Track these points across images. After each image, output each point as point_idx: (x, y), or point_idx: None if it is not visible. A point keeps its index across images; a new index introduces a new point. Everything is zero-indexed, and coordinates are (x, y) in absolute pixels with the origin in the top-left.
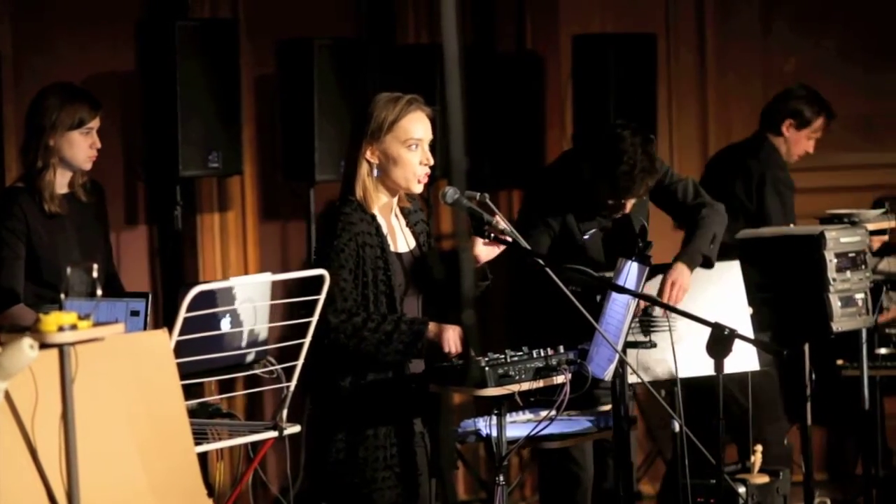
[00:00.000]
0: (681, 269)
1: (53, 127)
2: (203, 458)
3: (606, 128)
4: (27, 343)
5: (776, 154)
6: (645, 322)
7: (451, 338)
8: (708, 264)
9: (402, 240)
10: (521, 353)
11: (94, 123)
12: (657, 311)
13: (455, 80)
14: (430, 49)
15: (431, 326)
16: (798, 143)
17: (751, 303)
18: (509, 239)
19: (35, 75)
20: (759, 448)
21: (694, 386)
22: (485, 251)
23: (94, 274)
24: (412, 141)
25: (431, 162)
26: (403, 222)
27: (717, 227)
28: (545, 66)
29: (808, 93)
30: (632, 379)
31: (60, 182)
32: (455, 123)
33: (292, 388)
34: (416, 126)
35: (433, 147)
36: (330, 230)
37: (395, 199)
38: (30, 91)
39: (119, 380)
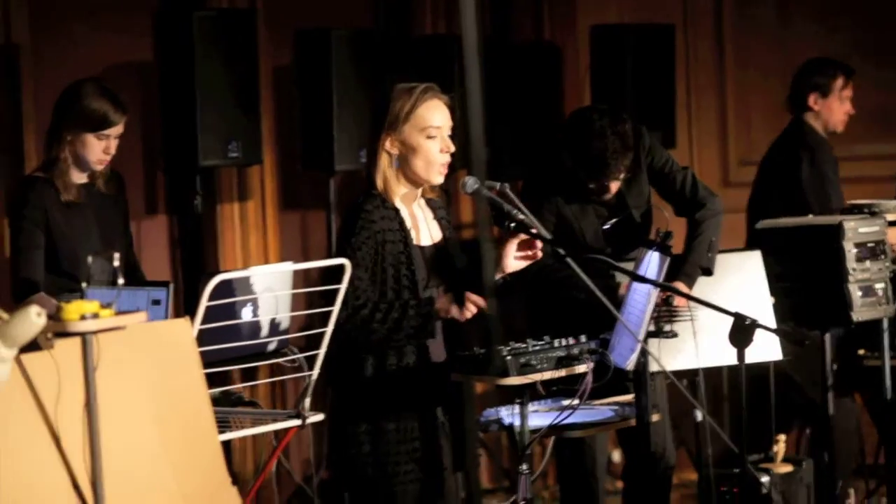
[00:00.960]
0: (681, 289)
1: (72, 123)
2: (226, 446)
3: (577, 113)
4: (34, 311)
5: (814, 133)
6: (666, 312)
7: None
8: (707, 273)
9: (425, 232)
10: (542, 343)
11: (113, 131)
12: (678, 300)
13: (474, 70)
14: (447, 40)
15: (440, 303)
16: (831, 110)
17: (772, 292)
18: (535, 232)
19: (53, 66)
20: (781, 437)
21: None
22: (513, 264)
23: (115, 263)
24: (431, 129)
25: (452, 149)
26: (430, 214)
27: (713, 231)
28: (563, 57)
29: (818, 61)
30: (654, 368)
31: (77, 172)
32: (474, 114)
33: (314, 377)
34: (434, 114)
35: (453, 136)
36: (349, 227)
37: (419, 191)
38: (48, 82)
39: (141, 368)
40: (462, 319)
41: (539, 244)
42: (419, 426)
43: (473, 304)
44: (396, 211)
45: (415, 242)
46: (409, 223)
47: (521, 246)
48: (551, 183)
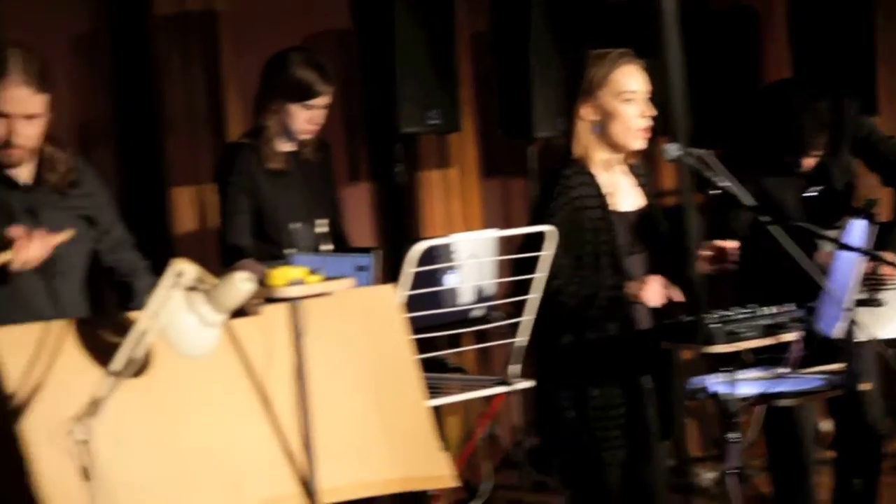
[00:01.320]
0: (891, 259)
1: (278, 92)
2: (435, 412)
3: (774, 87)
4: (241, 277)
5: None
6: (874, 280)
7: (652, 294)
8: None
9: (627, 198)
10: (749, 311)
11: (319, 101)
12: (886, 269)
13: (673, 36)
14: (645, 4)
15: (630, 287)
16: None
17: None
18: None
19: (253, 33)
20: None
21: None
22: (703, 269)
23: (320, 229)
24: (627, 94)
25: (651, 113)
26: (633, 180)
27: None
28: (761, 22)
29: None
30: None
31: (283, 141)
32: (675, 80)
33: (520, 344)
34: (630, 79)
35: (652, 101)
36: (547, 193)
37: (621, 157)
38: (247, 48)
39: (349, 334)
40: (651, 305)
41: (733, 255)
42: (623, 392)
43: (666, 295)
44: (594, 176)
45: (616, 208)
46: (609, 189)
47: (713, 259)
48: (749, 153)
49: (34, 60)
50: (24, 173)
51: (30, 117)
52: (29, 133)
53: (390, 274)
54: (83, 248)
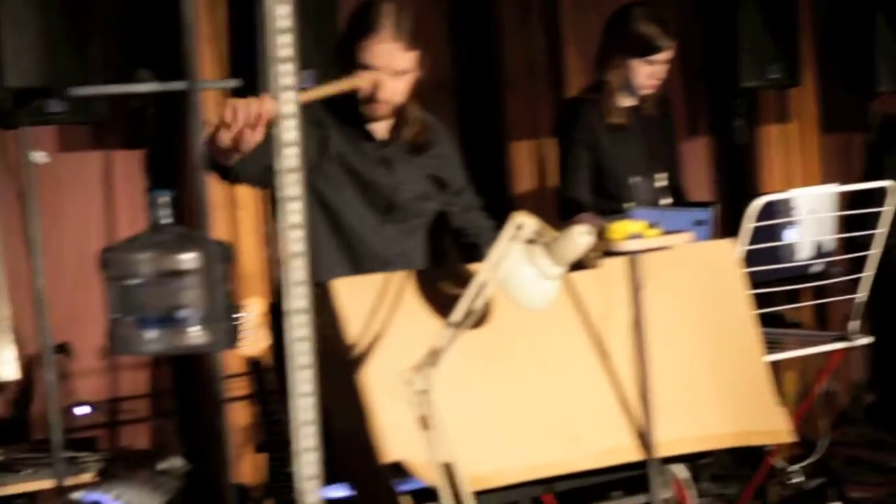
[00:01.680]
0: None
1: (620, 47)
2: (773, 367)
3: None
4: (579, 231)
5: None
6: None
7: None
8: None
9: None
10: None
11: (660, 56)
12: None
13: None
14: None
15: None
16: None
17: None
18: None
19: None
20: None
21: None
22: None
23: (659, 184)
24: None
25: None
26: None
27: None
28: None
29: None
30: None
31: (624, 96)
32: None
33: (861, 300)
34: None
35: None
36: (882, 148)
37: None
38: (586, 4)
39: (687, 288)
40: None
41: None
42: None
43: None
44: None
45: None
46: None
47: None
48: None
49: (407, 16)
50: (380, 128)
51: (398, 73)
52: (395, 88)
53: (728, 229)
54: (430, 207)
